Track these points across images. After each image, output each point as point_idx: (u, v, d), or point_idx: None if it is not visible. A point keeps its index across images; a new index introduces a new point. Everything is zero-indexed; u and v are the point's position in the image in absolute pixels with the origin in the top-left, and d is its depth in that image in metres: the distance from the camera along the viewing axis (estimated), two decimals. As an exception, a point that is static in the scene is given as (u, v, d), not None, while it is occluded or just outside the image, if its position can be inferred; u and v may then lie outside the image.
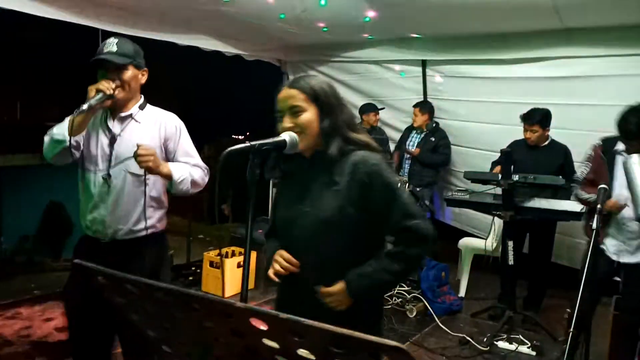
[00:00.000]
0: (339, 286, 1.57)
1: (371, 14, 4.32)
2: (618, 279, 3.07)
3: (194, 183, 2.30)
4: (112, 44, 2.21)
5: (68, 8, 3.72)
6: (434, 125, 5.14)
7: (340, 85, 5.35)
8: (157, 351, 1.18)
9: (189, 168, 2.30)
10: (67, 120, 2.15)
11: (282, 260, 1.63)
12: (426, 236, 1.56)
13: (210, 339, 1.03)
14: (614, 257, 2.98)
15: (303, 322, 0.81)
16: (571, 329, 2.25)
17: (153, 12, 4.25)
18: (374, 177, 1.56)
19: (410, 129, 5.26)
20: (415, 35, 4.94)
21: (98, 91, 2.11)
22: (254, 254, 4.11)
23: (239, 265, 4.49)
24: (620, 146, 2.96)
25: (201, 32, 4.80)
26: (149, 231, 2.29)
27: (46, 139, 2.20)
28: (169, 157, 2.32)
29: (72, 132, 2.11)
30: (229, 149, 1.42)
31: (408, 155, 5.17)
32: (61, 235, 5.16)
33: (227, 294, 3.64)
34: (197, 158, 2.38)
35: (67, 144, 2.11)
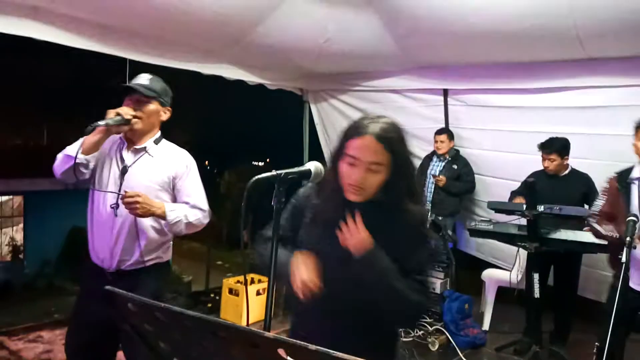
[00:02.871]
0: (369, 238, 1.48)
1: (393, 42, 4.36)
2: None
3: (189, 225, 2.31)
4: (144, 78, 2.31)
5: (95, 37, 3.83)
6: (454, 152, 5.12)
7: (360, 114, 5.36)
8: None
9: (186, 210, 2.31)
10: (80, 140, 2.22)
11: (307, 276, 1.51)
12: (424, 303, 1.57)
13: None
14: (638, 288, 2.89)
15: (332, 355, 0.80)
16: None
17: (178, 43, 4.36)
18: (417, 235, 1.57)
19: (430, 157, 5.24)
20: (436, 64, 4.96)
21: (117, 115, 2.18)
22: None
23: (258, 293, 4.47)
24: (635, 174, 2.94)
25: (224, 61, 4.90)
26: (154, 262, 2.33)
27: (59, 156, 2.26)
28: (175, 194, 2.35)
29: (84, 148, 2.17)
30: (256, 177, 1.44)
31: (431, 184, 5.14)
32: (82, 260, 5.22)
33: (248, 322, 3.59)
34: (198, 199, 2.37)
35: (74, 160, 2.15)
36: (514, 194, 4.20)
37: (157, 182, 2.30)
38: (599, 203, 3.19)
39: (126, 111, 2.21)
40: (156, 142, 2.36)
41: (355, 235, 1.49)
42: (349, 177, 1.52)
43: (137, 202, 2.11)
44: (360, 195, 1.53)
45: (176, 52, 4.42)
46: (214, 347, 1.02)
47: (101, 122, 2.14)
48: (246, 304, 1.56)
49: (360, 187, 1.51)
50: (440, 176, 5.03)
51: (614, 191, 3.06)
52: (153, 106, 2.30)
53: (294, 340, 0.85)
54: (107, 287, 1.04)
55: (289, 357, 0.86)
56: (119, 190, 2.23)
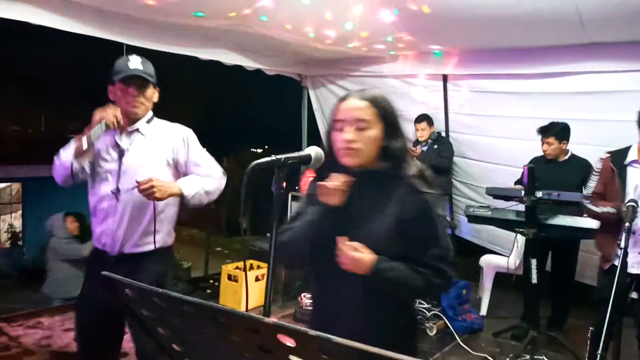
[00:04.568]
0: (369, 255, 1.47)
1: (393, 28, 4.32)
2: (634, 296, 2.99)
3: (207, 194, 2.31)
4: (136, 62, 2.25)
5: (93, 23, 3.79)
6: (436, 134, 5.14)
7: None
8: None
9: (201, 180, 2.30)
10: (72, 146, 2.22)
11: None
12: (451, 279, 1.56)
13: (236, 354, 1.02)
14: (631, 270, 2.90)
15: (332, 340, 0.80)
16: (599, 352, 2.18)
17: (176, 27, 4.31)
18: (423, 211, 1.52)
19: (415, 144, 5.24)
20: (436, 50, 4.93)
21: (102, 123, 2.17)
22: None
23: (257, 279, 4.48)
24: (631, 157, 2.94)
25: (223, 46, 4.86)
26: (158, 245, 2.31)
27: (56, 161, 2.28)
28: (180, 169, 2.33)
29: (78, 156, 2.20)
30: (255, 162, 1.42)
31: None
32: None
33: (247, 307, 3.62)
34: (208, 167, 2.36)
35: (70, 170, 2.20)
36: (517, 183, 4.20)
37: (157, 160, 2.28)
38: (592, 184, 3.17)
39: (111, 119, 2.19)
40: (148, 121, 2.34)
41: (352, 262, 1.46)
42: (340, 141, 1.53)
43: (153, 187, 2.10)
44: (355, 157, 1.53)
45: (174, 37, 4.38)
46: (213, 333, 1.02)
47: (85, 145, 2.16)
48: (245, 289, 1.56)
49: (352, 147, 1.52)
50: (415, 147, 5.08)
51: (608, 171, 3.05)
52: (150, 90, 2.29)
53: (294, 326, 0.84)
54: (104, 272, 1.03)
55: (288, 342, 0.86)
56: (118, 177, 2.22)
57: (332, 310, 1.62)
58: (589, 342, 3.15)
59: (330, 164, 1.57)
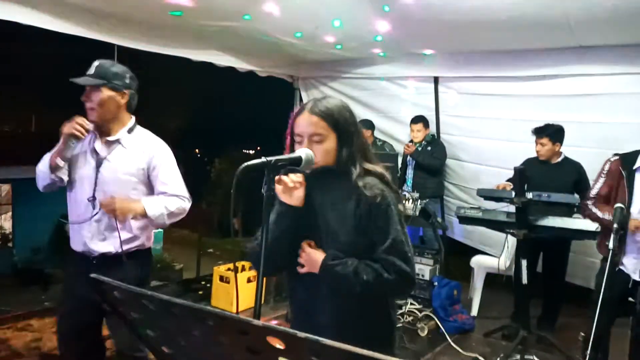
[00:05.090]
0: (319, 254, 1.60)
1: (384, 30, 4.34)
2: (632, 299, 3.01)
3: (171, 215, 2.33)
4: (92, 67, 2.28)
5: (84, 23, 3.77)
6: (431, 136, 5.17)
7: (351, 101, 5.35)
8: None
9: (165, 200, 2.31)
10: (47, 160, 2.28)
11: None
12: (405, 273, 1.58)
13: (225, 356, 1.02)
14: (634, 276, 2.90)
15: (321, 342, 0.80)
16: (588, 351, 2.20)
17: (168, 28, 4.30)
18: (376, 206, 1.59)
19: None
20: (427, 52, 4.95)
21: (71, 138, 2.21)
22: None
23: (249, 280, 4.48)
24: (639, 163, 2.90)
25: (215, 48, 4.85)
26: (136, 248, 2.36)
27: (36, 171, 2.34)
28: (152, 183, 2.36)
29: (54, 167, 2.26)
30: (245, 164, 1.42)
31: (411, 166, 5.19)
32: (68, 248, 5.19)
33: (239, 309, 3.62)
34: (175, 187, 2.37)
35: (49, 180, 2.29)
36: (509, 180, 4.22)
37: (132, 174, 2.31)
38: (597, 185, 3.10)
39: (79, 129, 2.21)
40: (130, 131, 2.34)
41: (306, 261, 1.62)
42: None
43: (114, 209, 2.16)
44: (319, 163, 1.60)
45: (165, 38, 4.36)
46: (203, 335, 1.02)
47: (66, 155, 2.24)
48: (236, 291, 1.56)
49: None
50: (409, 144, 5.13)
51: (616, 174, 2.99)
52: (103, 94, 2.25)
53: (283, 328, 0.85)
54: (93, 275, 1.03)
55: (277, 345, 0.86)
56: (95, 184, 2.27)
57: (306, 308, 1.71)
58: (590, 344, 3.13)
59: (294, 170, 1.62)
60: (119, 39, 4.00)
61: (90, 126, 2.25)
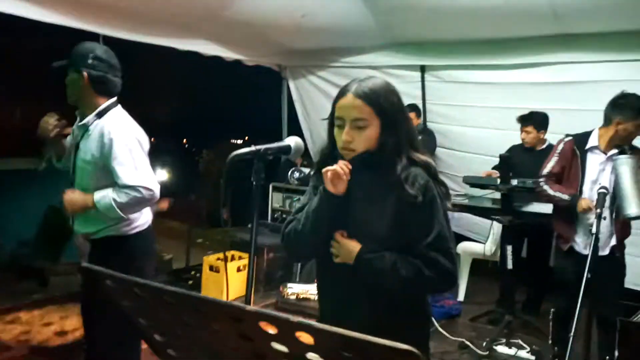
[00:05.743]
0: (354, 244, 1.52)
1: (368, 18, 4.34)
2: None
3: (126, 206, 2.20)
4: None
5: (68, 13, 3.72)
6: (422, 125, 5.20)
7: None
8: (162, 355, 1.19)
9: (112, 193, 2.20)
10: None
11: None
12: (448, 271, 1.49)
13: (218, 343, 1.04)
14: (584, 252, 2.97)
15: (313, 326, 0.82)
16: (571, 334, 2.25)
17: (153, 17, 4.26)
18: (421, 198, 1.48)
19: None
20: (413, 41, 4.96)
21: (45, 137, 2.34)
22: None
23: (238, 270, 4.49)
24: (592, 142, 3.00)
25: (201, 37, 4.81)
26: (132, 230, 2.35)
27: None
28: (112, 177, 2.25)
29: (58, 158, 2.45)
30: (234, 153, 1.43)
31: None
32: (60, 240, 5.15)
33: (229, 297, 3.64)
34: (124, 176, 2.20)
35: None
36: (495, 169, 4.28)
37: (90, 161, 2.26)
38: (550, 165, 3.18)
39: (48, 134, 2.33)
40: (99, 115, 2.26)
41: (339, 250, 1.54)
42: (339, 139, 1.53)
43: (70, 202, 2.24)
44: (356, 151, 1.51)
45: (151, 27, 4.32)
46: (196, 322, 1.03)
47: (59, 151, 2.44)
48: (226, 280, 1.58)
49: (350, 147, 1.51)
50: None
51: (569, 154, 3.09)
52: (69, 76, 2.27)
53: (276, 313, 0.86)
54: (84, 264, 1.04)
55: (270, 330, 0.88)
56: (73, 171, 2.36)
57: (338, 303, 1.62)
58: (551, 325, 3.22)
59: (331, 154, 1.58)
60: (103, 29, 3.96)
61: (53, 120, 2.31)
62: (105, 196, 2.21)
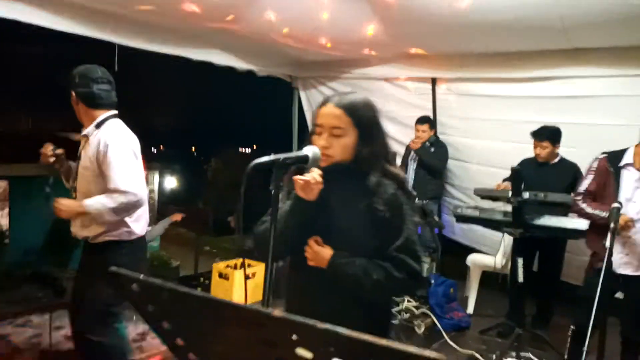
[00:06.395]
0: (327, 251, 1.60)
1: (374, 30, 4.37)
2: (619, 296, 3.07)
3: (115, 211, 2.37)
4: None
5: (85, 22, 3.78)
6: (434, 138, 5.19)
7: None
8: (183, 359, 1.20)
9: (103, 199, 2.37)
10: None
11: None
12: (415, 272, 1.58)
13: (240, 348, 1.04)
14: (618, 270, 2.97)
15: (340, 333, 0.83)
16: (585, 347, 2.24)
17: (168, 28, 4.32)
18: (390, 204, 1.58)
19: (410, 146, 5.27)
20: (424, 53, 4.99)
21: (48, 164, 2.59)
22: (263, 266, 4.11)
23: (247, 277, 4.50)
24: (627, 159, 3.00)
25: (214, 47, 4.86)
26: (118, 237, 2.49)
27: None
28: (105, 182, 2.43)
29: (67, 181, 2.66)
30: (255, 161, 1.44)
31: (412, 170, 5.20)
32: (68, 247, 5.18)
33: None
34: (117, 181, 2.37)
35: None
36: (505, 181, 4.27)
37: (88, 167, 2.45)
38: (586, 182, 3.20)
39: (48, 156, 2.60)
40: (98, 125, 2.48)
41: (313, 256, 1.62)
42: (317, 145, 1.59)
43: (59, 210, 2.39)
44: (328, 162, 1.60)
45: (165, 37, 4.38)
46: (218, 327, 1.04)
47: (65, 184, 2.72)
48: (245, 285, 1.59)
49: (326, 153, 1.59)
50: (415, 140, 5.10)
51: (604, 172, 3.10)
52: (73, 97, 2.54)
53: (302, 319, 0.87)
54: (113, 268, 1.06)
55: (294, 336, 0.89)
56: (75, 178, 2.57)
57: (304, 297, 1.71)
58: (569, 340, 3.21)
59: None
60: (119, 38, 4.01)
61: (49, 150, 2.56)
62: (97, 201, 2.38)
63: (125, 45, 4.06)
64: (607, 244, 2.35)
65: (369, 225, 1.58)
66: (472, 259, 4.88)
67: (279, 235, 1.58)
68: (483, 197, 3.99)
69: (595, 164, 3.18)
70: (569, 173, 4.06)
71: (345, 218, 1.61)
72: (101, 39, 3.93)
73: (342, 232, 1.61)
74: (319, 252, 1.61)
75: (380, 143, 1.65)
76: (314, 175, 1.55)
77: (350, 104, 1.60)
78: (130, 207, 2.41)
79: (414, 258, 1.58)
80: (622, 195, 2.97)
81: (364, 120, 1.61)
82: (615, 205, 2.50)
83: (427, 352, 0.75)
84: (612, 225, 2.40)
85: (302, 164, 1.58)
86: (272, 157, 1.48)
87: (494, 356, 3.63)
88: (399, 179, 1.65)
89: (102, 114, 2.48)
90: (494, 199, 3.87)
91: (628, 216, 2.88)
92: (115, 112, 2.55)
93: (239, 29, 4.36)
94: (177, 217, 4.68)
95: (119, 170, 2.38)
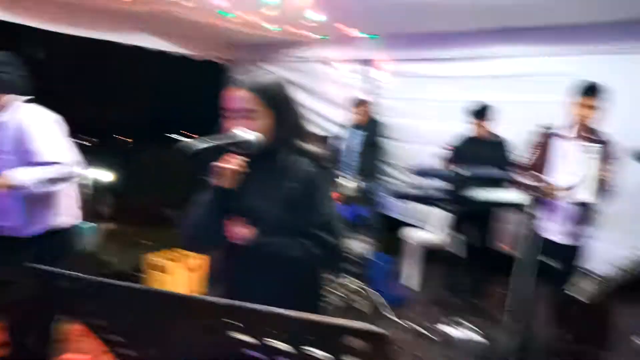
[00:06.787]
0: (246, 231, 1.58)
1: (315, 10, 4.34)
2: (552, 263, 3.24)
3: (52, 181, 2.29)
4: None
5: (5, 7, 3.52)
6: (373, 120, 5.24)
7: (288, 85, 5.34)
8: (120, 355, 1.14)
9: (34, 170, 2.27)
10: None
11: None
12: (335, 247, 1.60)
13: (180, 336, 1.01)
14: (553, 238, 3.13)
15: (278, 313, 0.82)
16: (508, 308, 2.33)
17: (95, 10, 4.08)
18: (306, 182, 1.59)
19: (350, 128, 5.29)
20: (359, 35, 5.01)
21: None
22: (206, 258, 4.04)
23: (190, 270, 4.39)
24: (561, 132, 3.14)
25: (145, 31, 4.67)
26: (40, 229, 2.38)
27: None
28: (30, 158, 2.31)
29: None
30: (195, 147, 1.42)
31: (355, 153, 5.21)
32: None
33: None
34: (47, 154, 2.31)
35: None
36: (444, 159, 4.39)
37: (6, 150, 2.33)
38: (527, 157, 3.33)
39: None
40: (11, 110, 2.36)
41: (233, 234, 1.59)
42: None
43: None
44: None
45: (92, 21, 4.14)
46: (156, 318, 1.01)
47: None
48: (186, 277, 1.54)
49: None
50: (359, 146, 5.10)
51: (543, 145, 3.24)
52: None
53: (239, 303, 0.86)
54: (31, 264, 0.99)
55: (230, 320, 0.87)
56: None
57: (236, 283, 1.68)
58: (506, 308, 3.35)
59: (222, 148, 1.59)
60: (41, 22, 3.76)
61: None
62: (25, 172, 2.25)
63: (48, 30, 3.81)
64: (532, 211, 2.45)
65: (288, 205, 1.58)
66: (412, 235, 5.00)
67: (201, 224, 1.61)
68: (421, 175, 4.08)
69: (536, 138, 3.31)
70: (502, 148, 4.23)
71: (265, 199, 1.60)
72: (22, 23, 3.67)
73: (263, 213, 1.58)
74: (238, 234, 1.58)
75: (295, 121, 1.64)
76: (237, 162, 1.53)
77: (258, 84, 1.56)
78: (67, 178, 2.35)
79: (331, 233, 1.59)
80: (558, 165, 3.11)
81: (277, 100, 1.58)
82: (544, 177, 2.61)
83: (369, 327, 0.75)
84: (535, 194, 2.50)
85: (245, 148, 1.54)
86: (211, 142, 1.45)
87: (437, 328, 3.74)
88: (315, 156, 1.64)
89: (16, 100, 2.37)
90: (432, 176, 3.96)
91: (558, 185, 3.02)
92: (27, 97, 2.43)
93: (169, 10, 4.19)
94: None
95: (49, 143, 2.32)
